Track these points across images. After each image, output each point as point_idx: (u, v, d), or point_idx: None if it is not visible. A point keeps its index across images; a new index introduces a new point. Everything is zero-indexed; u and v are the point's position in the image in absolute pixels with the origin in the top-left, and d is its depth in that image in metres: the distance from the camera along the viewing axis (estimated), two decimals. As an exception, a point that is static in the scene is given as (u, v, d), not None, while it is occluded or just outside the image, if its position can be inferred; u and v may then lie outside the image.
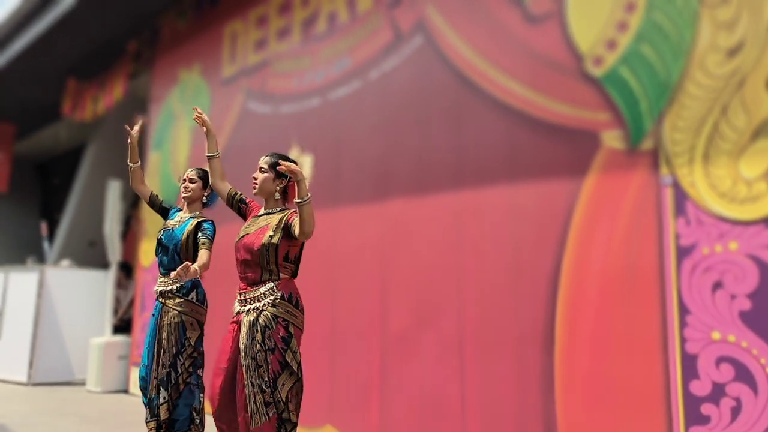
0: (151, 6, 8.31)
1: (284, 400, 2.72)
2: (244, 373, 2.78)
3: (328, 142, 5.63)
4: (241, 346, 2.80)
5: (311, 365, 5.31)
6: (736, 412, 3.11)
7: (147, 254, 7.96)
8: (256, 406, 2.72)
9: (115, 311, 8.76)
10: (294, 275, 2.96)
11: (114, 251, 8.27)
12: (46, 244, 11.87)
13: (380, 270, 4.95)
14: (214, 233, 3.48)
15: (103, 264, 9.39)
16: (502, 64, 4.39)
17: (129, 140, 3.59)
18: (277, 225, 2.86)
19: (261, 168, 2.99)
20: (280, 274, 2.84)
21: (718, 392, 3.18)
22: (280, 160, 2.66)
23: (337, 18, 5.78)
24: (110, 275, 8.42)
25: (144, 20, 8.66)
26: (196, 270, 2.94)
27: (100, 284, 8.77)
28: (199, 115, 3.18)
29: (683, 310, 3.34)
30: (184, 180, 3.68)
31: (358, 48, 5.50)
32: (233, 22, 7.15)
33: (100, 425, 5.54)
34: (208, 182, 3.57)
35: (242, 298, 2.88)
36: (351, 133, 5.45)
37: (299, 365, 2.78)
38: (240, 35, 7.02)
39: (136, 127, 3.64)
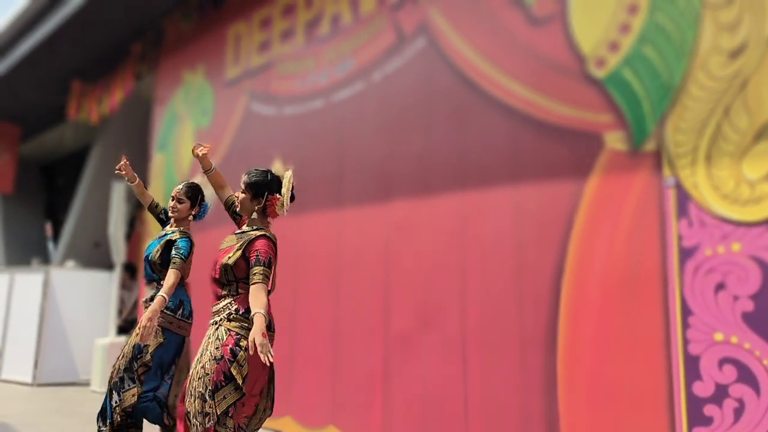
0: (156, 8, 8.34)
1: (221, 413, 2.66)
2: (188, 382, 2.79)
3: (331, 144, 5.64)
4: (196, 357, 2.84)
5: (314, 366, 5.34)
6: (738, 413, 3.11)
7: (151, 255, 7.98)
8: (195, 414, 2.70)
9: (120, 312, 8.80)
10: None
11: (118, 252, 8.30)
12: (51, 245, 11.92)
13: (383, 271, 4.95)
14: (190, 250, 3.41)
15: (107, 265, 9.43)
16: (505, 66, 4.40)
17: (123, 176, 3.65)
18: (239, 248, 2.84)
19: (241, 188, 2.96)
20: (239, 290, 2.84)
21: (720, 393, 3.18)
22: (256, 341, 2.54)
23: (340, 20, 5.80)
24: (115, 276, 8.45)
25: (148, 22, 8.70)
26: (163, 299, 3.06)
27: (105, 285, 8.81)
28: (204, 150, 3.19)
29: (686, 312, 3.34)
30: (173, 198, 3.56)
31: (362, 50, 5.51)
32: (237, 23, 7.18)
33: (104, 425, 5.55)
34: (197, 201, 3.58)
35: (211, 311, 2.91)
36: (354, 134, 5.47)
37: (245, 380, 2.70)
38: (244, 37, 7.04)
39: (123, 164, 3.64)
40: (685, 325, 3.33)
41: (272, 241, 2.87)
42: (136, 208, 10.22)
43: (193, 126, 7.62)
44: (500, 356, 4.14)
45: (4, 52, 9.87)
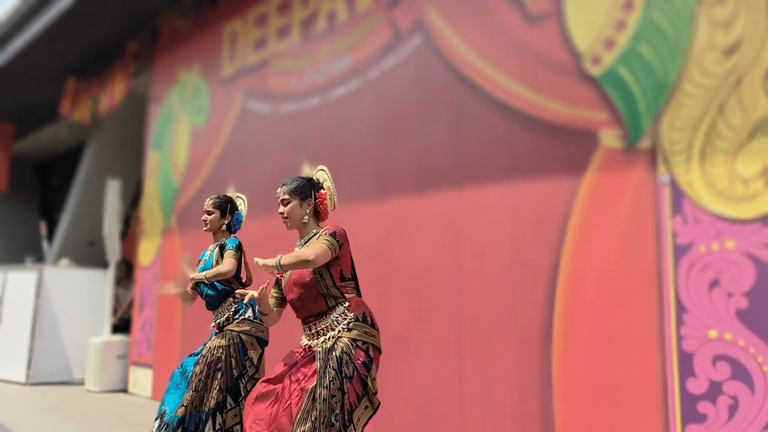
0: (151, 5, 8.32)
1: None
2: (312, 405, 2.41)
3: (327, 142, 5.64)
4: (316, 378, 2.47)
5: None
6: (733, 410, 3.11)
7: (146, 253, 7.97)
8: None
9: (115, 311, 8.77)
10: (358, 291, 2.75)
11: (113, 251, 8.27)
12: (45, 244, 11.88)
13: (379, 270, 4.95)
14: (239, 246, 3.37)
15: (102, 263, 9.40)
16: (501, 64, 4.40)
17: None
18: None
19: (283, 200, 2.71)
20: (345, 294, 2.63)
21: (714, 390, 3.18)
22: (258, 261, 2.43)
23: (336, 17, 5.79)
24: (109, 275, 8.42)
25: (144, 20, 8.68)
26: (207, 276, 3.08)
27: (99, 284, 8.78)
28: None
29: (680, 309, 3.34)
30: (204, 212, 3.55)
31: (358, 47, 5.51)
32: (233, 21, 7.16)
33: (98, 425, 5.54)
34: (227, 210, 3.54)
35: (312, 331, 2.61)
36: (350, 132, 5.46)
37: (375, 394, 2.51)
38: (240, 34, 7.03)
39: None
40: (680, 322, 3.33)
41: (342, 230, 2.66)
42: (131, 206, 10.21)
43: (189, 124, 7.60)
44: (496, 354, 4.14)
45: (-2, 49, 9.84)
